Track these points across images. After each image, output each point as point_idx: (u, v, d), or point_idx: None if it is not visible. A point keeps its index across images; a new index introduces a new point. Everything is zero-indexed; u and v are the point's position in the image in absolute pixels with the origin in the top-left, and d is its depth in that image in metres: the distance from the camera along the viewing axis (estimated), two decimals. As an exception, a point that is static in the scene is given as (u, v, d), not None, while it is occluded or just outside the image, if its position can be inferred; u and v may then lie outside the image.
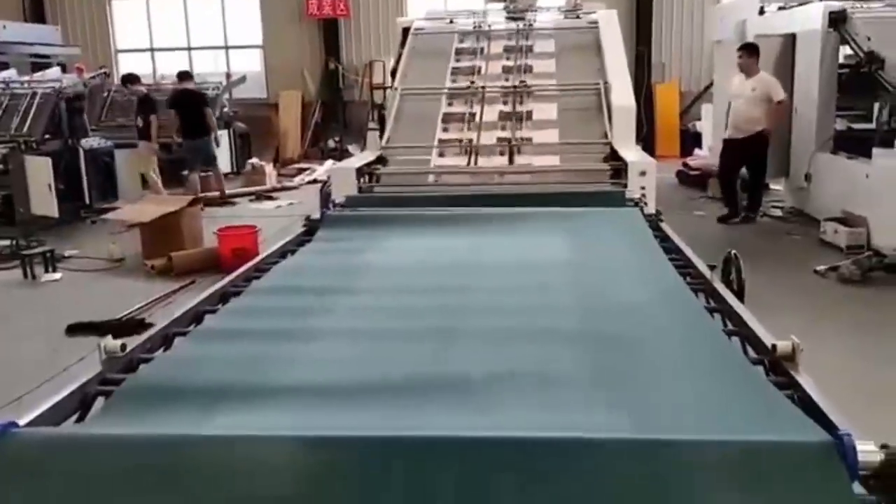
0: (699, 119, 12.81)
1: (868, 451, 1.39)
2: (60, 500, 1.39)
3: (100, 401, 1.89)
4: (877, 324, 5.20)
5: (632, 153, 5.18)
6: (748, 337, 2.20)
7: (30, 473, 1.44)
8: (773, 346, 1.96)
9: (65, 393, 1.84)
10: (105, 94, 12.87)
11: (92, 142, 9.69)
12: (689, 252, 3.07)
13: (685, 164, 10.99)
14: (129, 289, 6.31)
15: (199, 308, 2.57)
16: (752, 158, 8.06)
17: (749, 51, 7.95)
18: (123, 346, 2.09)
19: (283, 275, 2.94)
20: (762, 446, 1.39)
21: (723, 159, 8.37)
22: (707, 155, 10.91)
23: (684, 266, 2.92)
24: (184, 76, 10.75)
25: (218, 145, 10.72)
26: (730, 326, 2.33)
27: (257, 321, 2.38)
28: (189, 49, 16.58)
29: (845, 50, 7.61)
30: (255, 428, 1.54)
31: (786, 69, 7.98)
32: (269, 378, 1.89)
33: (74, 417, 1.83)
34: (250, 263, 3.15)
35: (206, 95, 11.04)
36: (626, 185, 4.75)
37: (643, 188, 4.70)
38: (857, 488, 1.40)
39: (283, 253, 3.33)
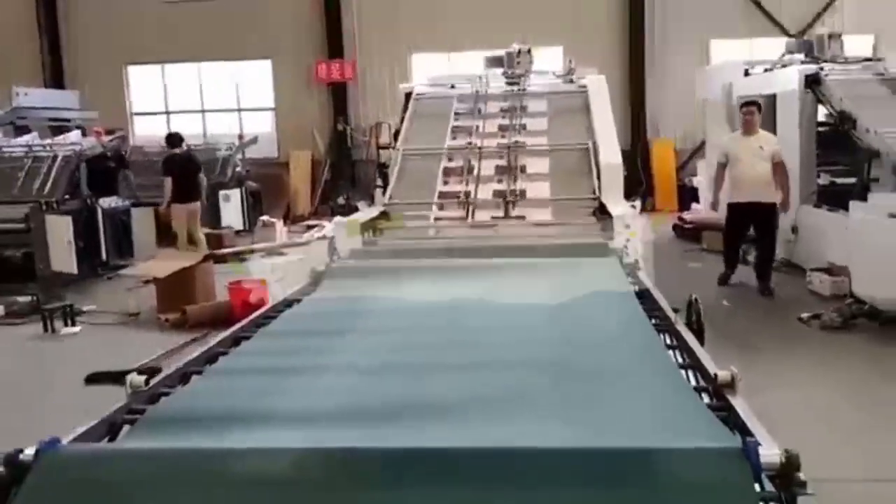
0: (695, 175, 13.19)
1: (770, 455, 1.68)
2: None
3: (125, 429, 2.18)
4: (846, 364, 5.56)
5: (618, 207, 5.52)
6: (698, 368, 2.49)
7: (73, 483, 1.71)
8: (715, 375, 2.26)
9: (95, 421, 2.12)
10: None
11: (109, 201, 10.12)
12: (658, 296, 3.37)
13: (680, 219, 11.34)
14: (145, 341, 6.62)
15: (212, 350, 2.88)
16: (761, 225, 7.61)
17: (758, 107, 7.69)
18: (147, 381, 2.38)
19: (288, 321, 3.26)
20: (684, 452, 1.68)
21: (729, 224, 7.94)
22: (702, 209, 11.26)
23: (652, 309, 3.22)
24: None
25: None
26: (685, 360, 2.63)
27: (264, 360, 2.69)
28: (203, 112, 17.22)
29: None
30: (262, 443, 1.84)
31: (768, 128, 8.36)
32: (274, 406, 2.18)
33: (105, 441, 2.11)
34: (259, 311, 3.47)
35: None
36: (612, 238, 5.08)
37: (627, 240, 5.03)
38: (769, 486, 1.70)
39: (289, 302, 3.64)
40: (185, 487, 1.66)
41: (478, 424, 2.00)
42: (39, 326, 7.25)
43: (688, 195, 13.59)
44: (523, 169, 6.34)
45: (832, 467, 3.43)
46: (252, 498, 1.66)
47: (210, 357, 2.82)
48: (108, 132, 11.99)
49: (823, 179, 8.17)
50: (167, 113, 17.39)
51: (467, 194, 6.12)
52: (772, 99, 8.40)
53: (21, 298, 8.02)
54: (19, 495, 1.67)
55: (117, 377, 5.33)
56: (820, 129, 8.23)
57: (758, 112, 7.61)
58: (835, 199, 7.53)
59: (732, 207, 7.78)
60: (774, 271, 8.29)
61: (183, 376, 2.61)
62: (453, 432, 1.93)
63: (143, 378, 2.37)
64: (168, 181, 10.09)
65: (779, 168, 7.44)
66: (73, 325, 7.33)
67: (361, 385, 2.35)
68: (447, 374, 2.40)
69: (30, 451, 1.76)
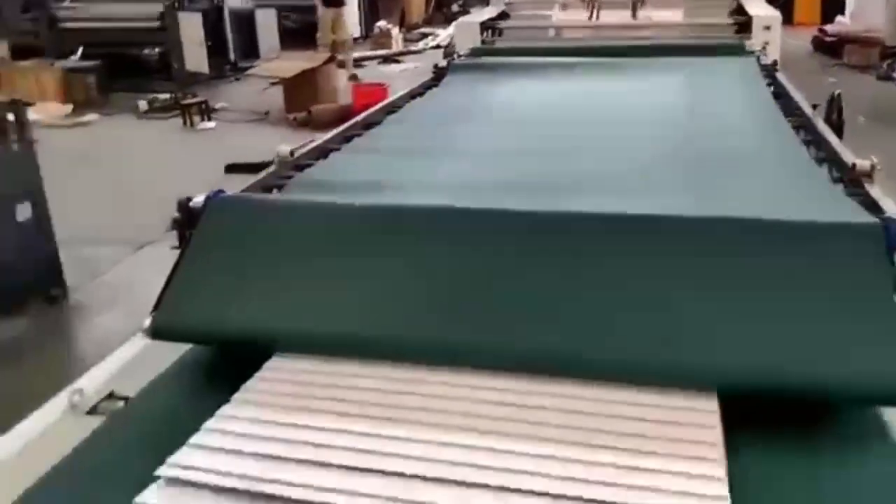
0: (845, -18, 11.93)
1: None
2: (264, 254, 1.72)
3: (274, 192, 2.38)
4: None
5: (757, 8, 5.15)
6: (834, 160, 2.43)
7: (239, 226, 1.83)
8: (854, 164, 2.20)
9: (250, 182, 2.32)
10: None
11: (235, 2, 10.26)
12: (797, 96, 3.22)
13: (821, 31, 10.43)
14: (275, 137, 6.91)
15: (347, 132, 3.03)
16: None
17: None
18: (292, 153, 2.57)
19: (416, 110, 3.35)
20: (822, 226, 1.66)
21: None
22: (848, 22, 10.29)
23: (792, 108, 3.10)
24: None
25: None
26: (823, 154, 2.56)
27: (395, 141, 2.82)
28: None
29: None
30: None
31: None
32: (408, 176, 2.31)
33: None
34: (387, 100, 3.58)
35: None
36: (749, 38, 4.79)
37: (766, 42, 4.74)
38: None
39: (412, 95, 3.71)
40: (344, 237, 1.72)
41: (607, 198, 2.04)
42: (179, 121, 7.72)
43: (832, 6, 12.35)
44: None
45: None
46: (411, 251, 1.66)
47: (346, 137, 2.98)
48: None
49: None
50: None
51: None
52: None
53: (160, 95, 8.49)
54: (194, 236, 1.85)
55: (255, 168, 5.72)
56: None
57: None
58: None
59: None
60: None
61: (321, 150, 2.79)
62: (583, 203, 1.97)
63: (288, 149, 2.56)
64: None
65: None
66: (209, 120, 7.76)
67: (491, 163, 2.44)
68: (576, 155, 2.44)
69: (199, 199, 1.93)
